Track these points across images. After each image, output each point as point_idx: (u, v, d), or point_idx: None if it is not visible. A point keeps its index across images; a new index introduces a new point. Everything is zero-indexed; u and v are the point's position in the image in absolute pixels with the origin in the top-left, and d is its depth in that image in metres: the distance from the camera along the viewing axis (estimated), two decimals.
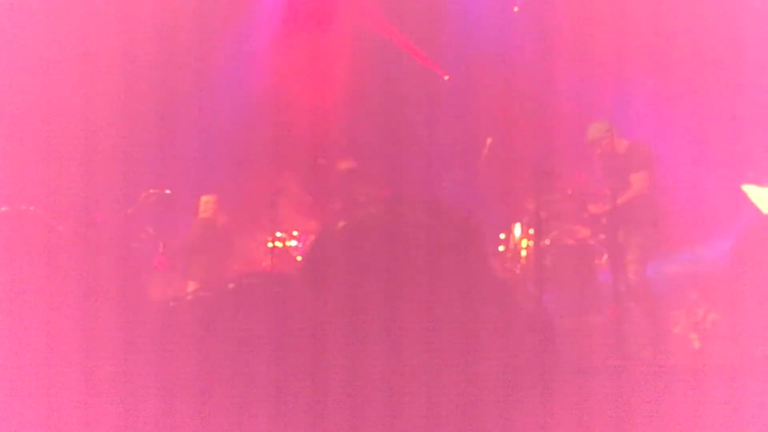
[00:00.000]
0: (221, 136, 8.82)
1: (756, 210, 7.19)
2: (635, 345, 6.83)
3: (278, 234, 7.66)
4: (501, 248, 8.48)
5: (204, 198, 8.11)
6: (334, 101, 9.26)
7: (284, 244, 7.77)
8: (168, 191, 7.74)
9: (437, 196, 7.89)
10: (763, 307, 6.16)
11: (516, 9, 9.21)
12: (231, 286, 6.42)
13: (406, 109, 8.89)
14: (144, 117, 8.26)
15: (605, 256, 7.93)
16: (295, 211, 8.13)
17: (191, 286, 7.79)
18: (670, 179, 8.00)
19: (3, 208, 5.45)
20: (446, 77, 9.37)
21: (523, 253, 8.34)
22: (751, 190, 7.32)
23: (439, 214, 5.45)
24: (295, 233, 7.86)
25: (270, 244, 7.50)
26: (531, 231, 8.26)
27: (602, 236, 7.71)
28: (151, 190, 7.71)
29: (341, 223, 5.51)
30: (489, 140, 7.97)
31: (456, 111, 9.06)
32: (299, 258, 7.72)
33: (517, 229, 8.44)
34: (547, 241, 8.31)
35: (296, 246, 7.85)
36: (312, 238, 7.64)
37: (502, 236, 8.53)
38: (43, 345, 5.25)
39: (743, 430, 4.65)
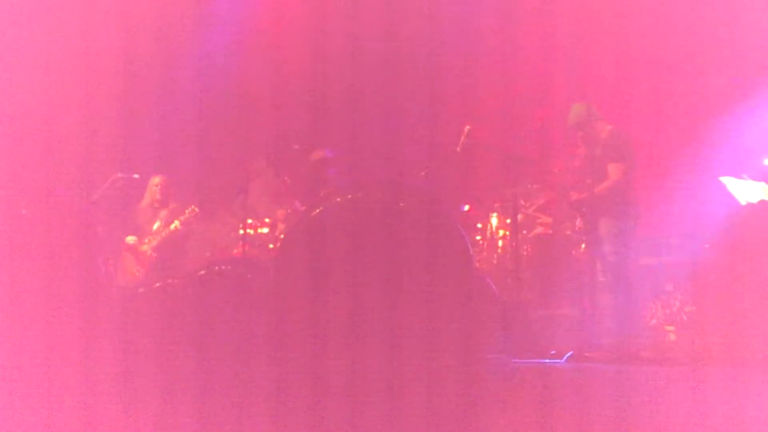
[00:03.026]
0: (193, 123, 8.64)
1: (734, 201, 7.13)
2: (610, 336, 6.76)
3: (249, 221, 7.49)
4: (477, 238, 8.39)
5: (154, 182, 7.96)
6: (312, 89, 9.10)
7: (256, 232, 7.61)
8: (136, 176, 7.56)
9: (414, 184, 7.74)
10: (741, 297, 6.12)
11: None
12: (202, 272, 6.32)
13: (381, 96, 8.75)
14: (112, 102, 8.06)
15: (582, 246, 7.85)
16: (268, 198, 7.99)
17: (161, 273, 7.64)
18: (650, 169, 7.93)
19: None
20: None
21: (500, 242, 8.26)
22: (729, 182, 7.25)
23: (415, 203, 5.35)
24: (267, 220, 7.71)
25: (242, 231, 7.34)
26: (508, 221, 8.19)
27: (579, 225, 7.60)
28: (119, 174, 7.53)
29: (316, 211, 5.41)
30: (467, 128, 7.83)
31: (433, 98, 8.93)
32: (271, 246, 7.58)
33: (494, 219, 8.35)
34: (524, 231, 8.23)
35: (268, 233, 7.70)
36: (285, 226, 7.52)
37: (478, 225, 8.44)
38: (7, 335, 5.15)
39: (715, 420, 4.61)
